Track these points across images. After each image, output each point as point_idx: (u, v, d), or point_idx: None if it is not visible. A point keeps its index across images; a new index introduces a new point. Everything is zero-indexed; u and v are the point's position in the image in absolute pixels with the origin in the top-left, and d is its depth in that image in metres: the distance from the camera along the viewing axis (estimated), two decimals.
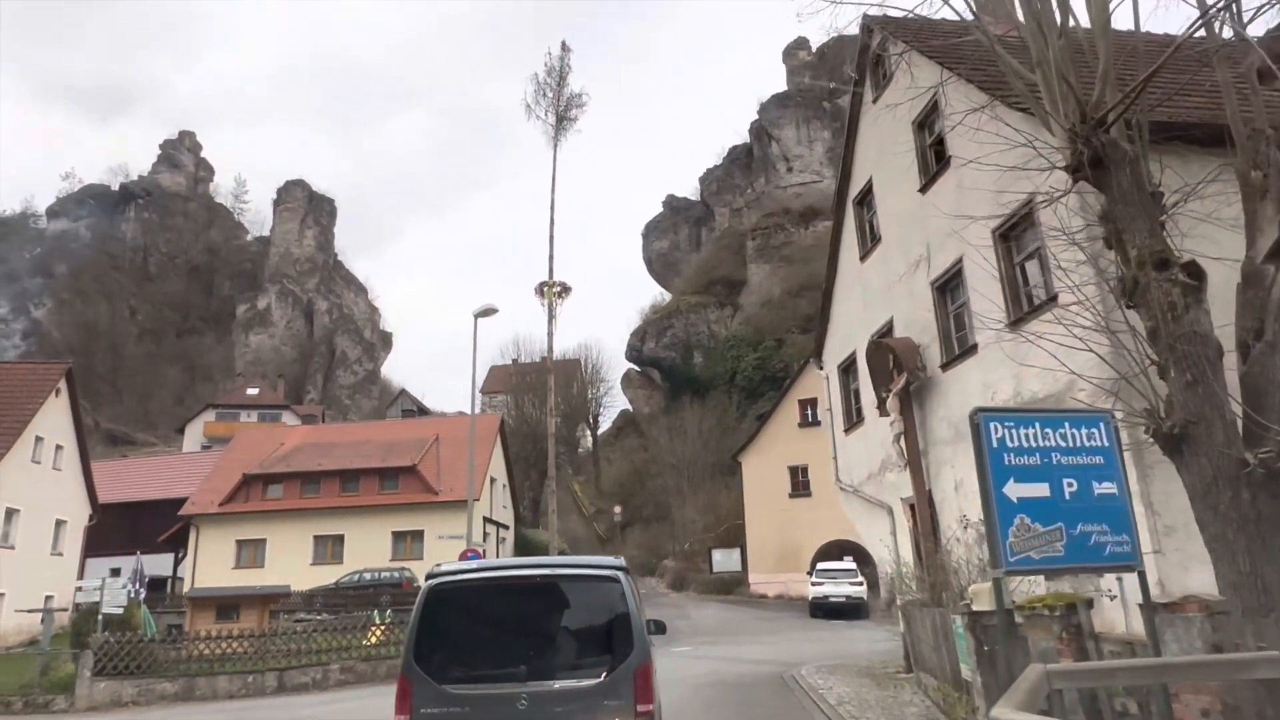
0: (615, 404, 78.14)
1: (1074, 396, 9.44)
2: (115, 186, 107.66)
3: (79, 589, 22.23)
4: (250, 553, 38.25)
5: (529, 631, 6.42)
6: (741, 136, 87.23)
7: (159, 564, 38.70)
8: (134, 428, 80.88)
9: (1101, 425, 6.21)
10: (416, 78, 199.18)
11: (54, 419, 33.68)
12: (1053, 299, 10.11)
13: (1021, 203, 10.37)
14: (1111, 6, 7.97)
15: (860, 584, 31.04)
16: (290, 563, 36.04)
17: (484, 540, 37.80)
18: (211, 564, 37.06)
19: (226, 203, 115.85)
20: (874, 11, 15.46)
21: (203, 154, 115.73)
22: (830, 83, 74.88)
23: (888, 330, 15.87)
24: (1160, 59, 7.56)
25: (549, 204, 35.06)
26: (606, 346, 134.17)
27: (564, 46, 38.38)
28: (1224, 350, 6.89)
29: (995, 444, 5.97)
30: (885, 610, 30.15)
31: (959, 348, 13.36)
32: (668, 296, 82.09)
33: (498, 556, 38.37)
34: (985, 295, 11.58)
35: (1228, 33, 8.68)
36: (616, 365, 77.55)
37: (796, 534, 38.31)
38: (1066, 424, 6.17)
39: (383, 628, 21.66)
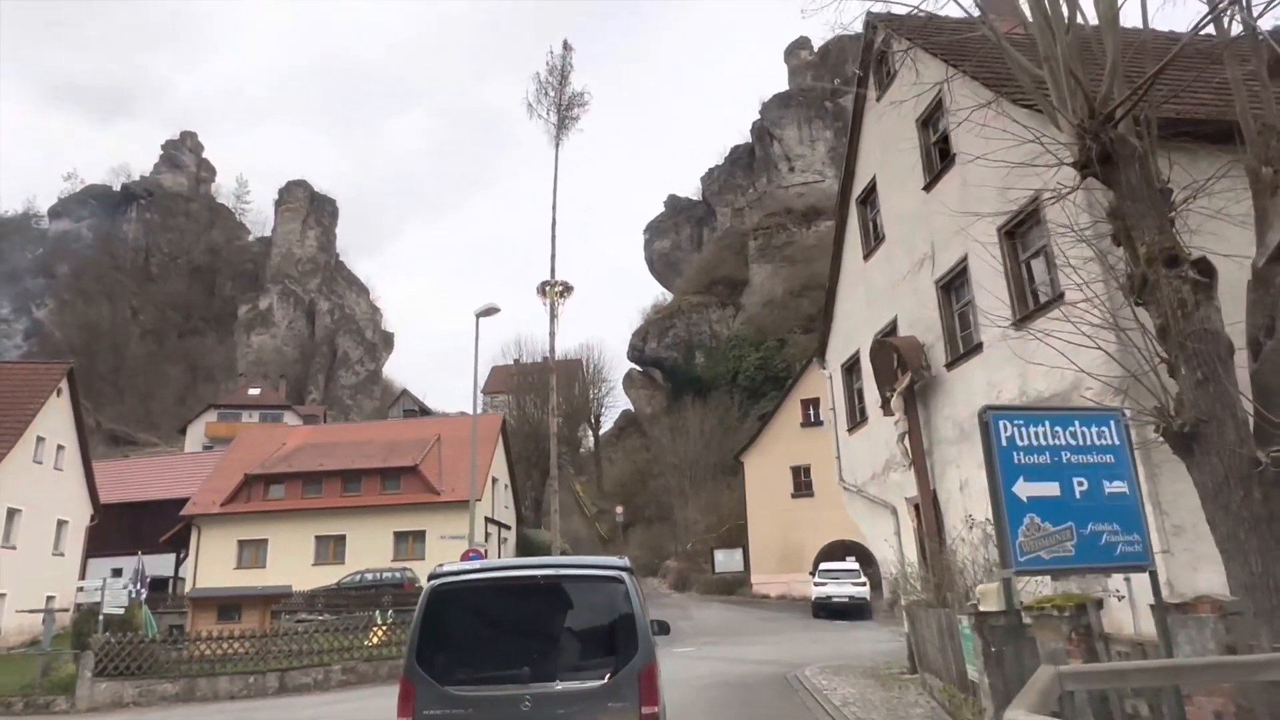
0: (617, 404, 78.20)
1: (1081, 395, 9.37)
2: (117, 187, 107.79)
3: (80, 589, 22.20)
4: (252, 553, 38.21)
5: (532, 632, 6.35)
6: (743, 136, 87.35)
7: (160, 564, 38.69)
8: (136, 428, 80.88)
9: (1112, 423, 6.13)
10: (417, 78, 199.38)
11: (55, 419, 33.64)
12: (1059, 297, 10.04)
13: (1028, 200, 10.29)
14: (1119, 2, 7.91)
15: (863, 584, 30.96)
16: (292, 563, 35.98)
17: (486, 541, 37.75)
18: (213, 564, 37.03)
19: (228, 203, 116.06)
20: (878, 8, 15.46)
21: (204, 154, 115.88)
22: (835, 80, 74.79)
23: (892, 329, 15.79)
24: (1169, 54, 7.51)
25: (551, 203, 34.94)
26: (608, 347, 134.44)
27: (565, 45, 38.25)
28: (1235, 348, 6.81)
29: (1004, 442, 5.90)
30: (888, 611, 30.05)
31: (964, 347, 13.28)
32: (669, 296, 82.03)
33: (499, 557, 38.30)
34: (990, 293, 11.51)
35: (1237, 28, 8.64)
36: (618, 365, 77.59)
37: (799, 534, 38.23)
38: (1076, 422, 6.09)
39: (384, 628, 21.60)
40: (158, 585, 35.86)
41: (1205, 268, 6.93)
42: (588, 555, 30.42)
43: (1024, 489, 5.79)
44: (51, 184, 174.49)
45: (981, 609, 8.20)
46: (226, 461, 42.81)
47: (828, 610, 30.34)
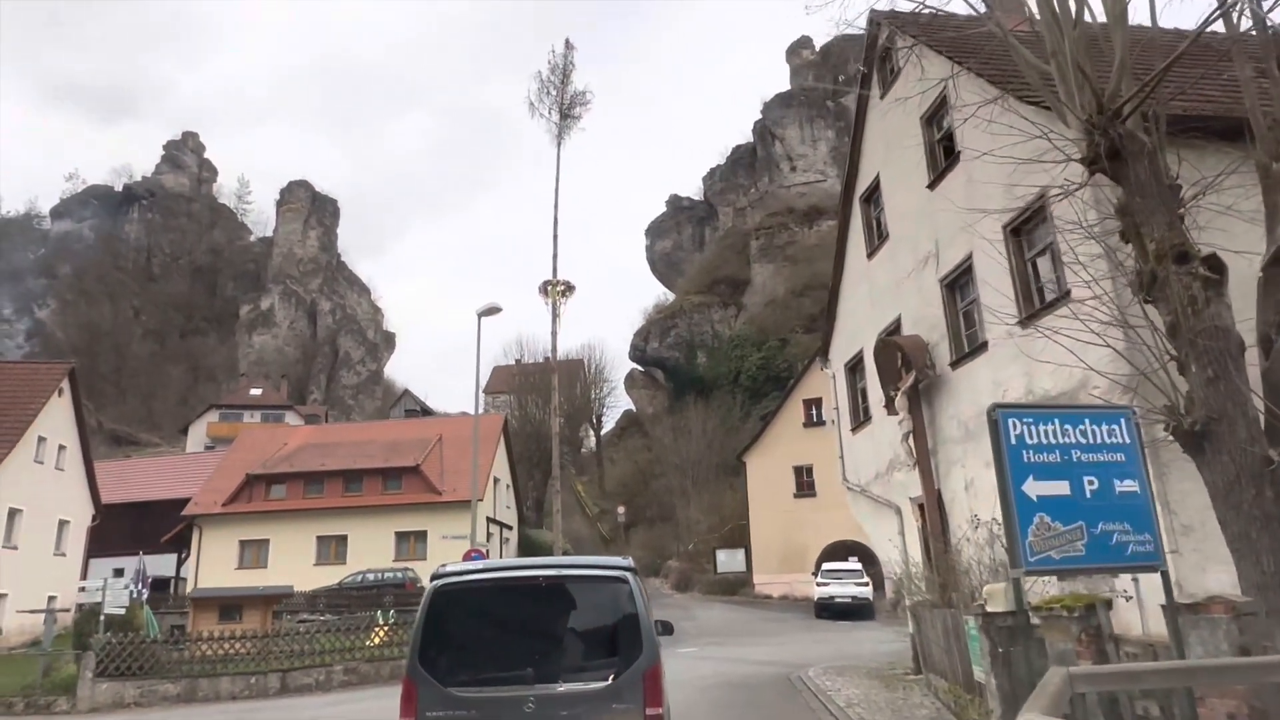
0: (619, 404, 78.11)
1: (1089, 394, 9.30)
2: (119, 187, 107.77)
3: (82, 589, 22.15)
4: (253, 553, 38.18)
5: (536, 633, 6.29)
6: (745, 136, 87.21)
7: (162, 564, 38.65)
8: (137, 428, 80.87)
9: (1122, 421, 6.06)
10: (418, 78, 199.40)
11: (57, 419, 33.60)
12: (1065, 295, 9.96)
13: (1034, 197, 10.22)
14: None
15: (866, 584, 30.87)
16: (293, 563, 35.94)
17: (487, 541, 37.71)
18: (214, 564, 37.01)
19: (230, 203, 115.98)
20: (882, 5, 15.41)
21: (206, 155, 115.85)
22: (840, 77, 74.64)
23: (895, 328, 15.72)
24: (1177, 50, 7.44)
25: (553, 202, 34.81)
26: (610, 347, 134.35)
27: (567, 44, 38.11)
28: (1245, 345, 6.74)
29: (1014, 441, 5.82)
30: (891, 611, 29.98)
31: (969, 345, 13.21)
32: (671, 296, 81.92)
33: (501, 557, 38.24)
34: (996, 292, 11.42)
35: (1246, 23, 8.57)
36: (620, 365, 77.48)
37: (801, 534, 38.15)
38: (1087, 420, 6.01)
39: (386, 628, 21.54)
40: (159, 585, 35.81)
41: (1215, 264, 6.86)
42: (590, 555, 30.37)
43: (1033, 488, 5.72)
44: (53, 184, 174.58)
45: (989, 609, 8.12)
46: (228, 461, 42.78)
47: (830, 611, 30.26)
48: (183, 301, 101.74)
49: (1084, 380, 9.53)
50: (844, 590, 30.57)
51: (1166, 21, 9.06)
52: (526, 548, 45.80)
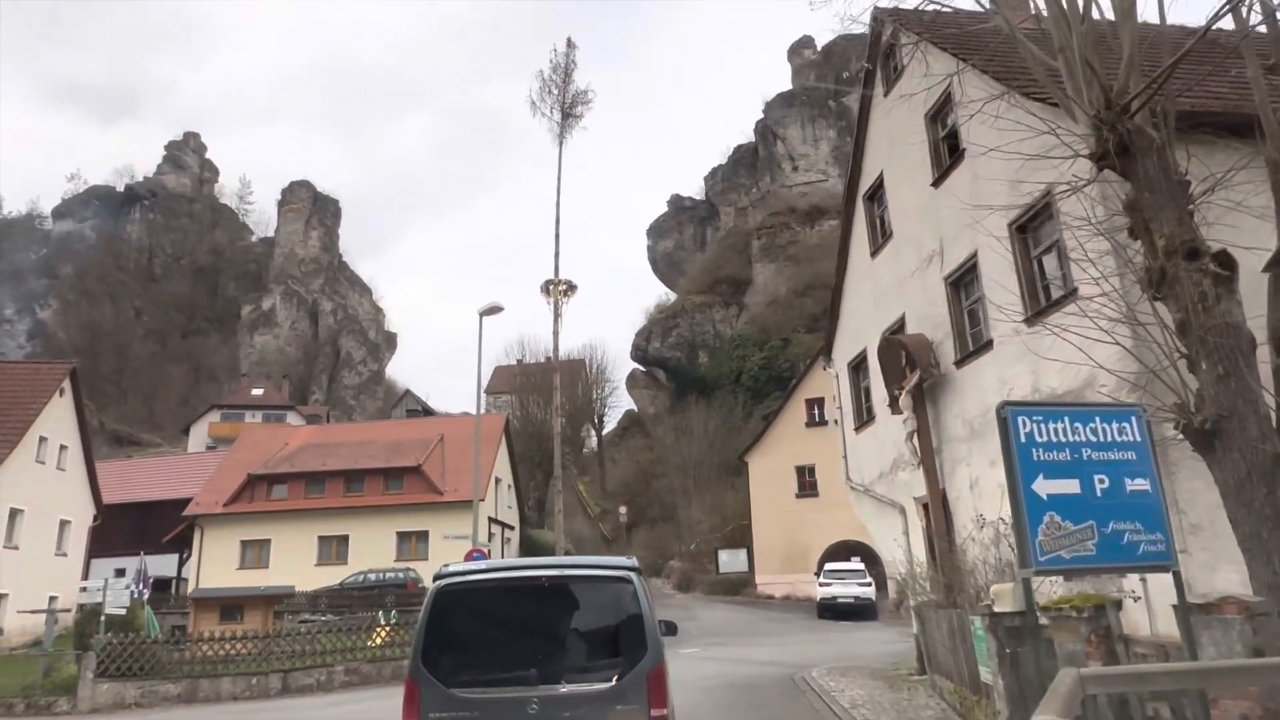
0: (620, 404, 78.03)
1: (1096, 392, 9.23)
2: (120, 188, 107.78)
3: (83, 589, 22.09)
4: (255, 553, 38.13)
5: (539, 633, 6.23)
6: (746, 136, 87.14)
7: (164, 564, 38.62)
8: (139, 428, 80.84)
9: (1133, 419, 5.99)
10: (419, 79, 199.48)
11: (58, 419, 33.56)
12: (1072, 292, 9.89)
13: (1040, 194, 10.15)
14: None
15: (869, 585, 30.78)
16: (295, 563, 35.89)
17: (489, 541, 37.65)
18: (216, 564, 36.97)
19: (231, 204, 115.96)
20: (886, 1, 15.34)
21: (207, 155, 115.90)
22: (845, 74, 74.54)
23: (899, 327, 15.65)
24: (1186, 45, 7.37)
25: (554, 202, 34.76)
26: (611, 347, 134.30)
27: (569, 43, 38.03)
28: (1256, 342, 6.68)
29: (1023, 439, 5.75)
30: (894, 611, 29.89)
31: (974, 344, 13.13)
32: (673, 296, 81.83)
33: (503, 557, 38.19)
34: (1002, 288, 11.34)
35: (1255, 18, 8.50)
36: (621, 366, 77.44)
37: (804, 534, 38.08)
38: (1097, 418, 5.94)
39: (388, 629, 21.48)
40: (161, 585, 35.78)
41: (1226, 261, 6.79)
42: (591, 555, 30.30)
43: (1043, 486, 5.65)
44: (55, 184, 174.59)
45: (996, 610, 8.04)
46: (229, 462, 42.74)
47: (833, 611, 30.19)
48: (184, 302, 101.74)
49: (1091, 378, 9.47)
50: (846, 590, 30.48)
51: (1174, 17, 8.97)
52: (528, 548, 45.75)
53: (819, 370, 35.98)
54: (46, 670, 18.71)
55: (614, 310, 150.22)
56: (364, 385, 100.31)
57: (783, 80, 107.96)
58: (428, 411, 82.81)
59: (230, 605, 23.29)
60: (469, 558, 20.08)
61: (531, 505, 58.41)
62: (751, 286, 71.93)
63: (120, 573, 24.75)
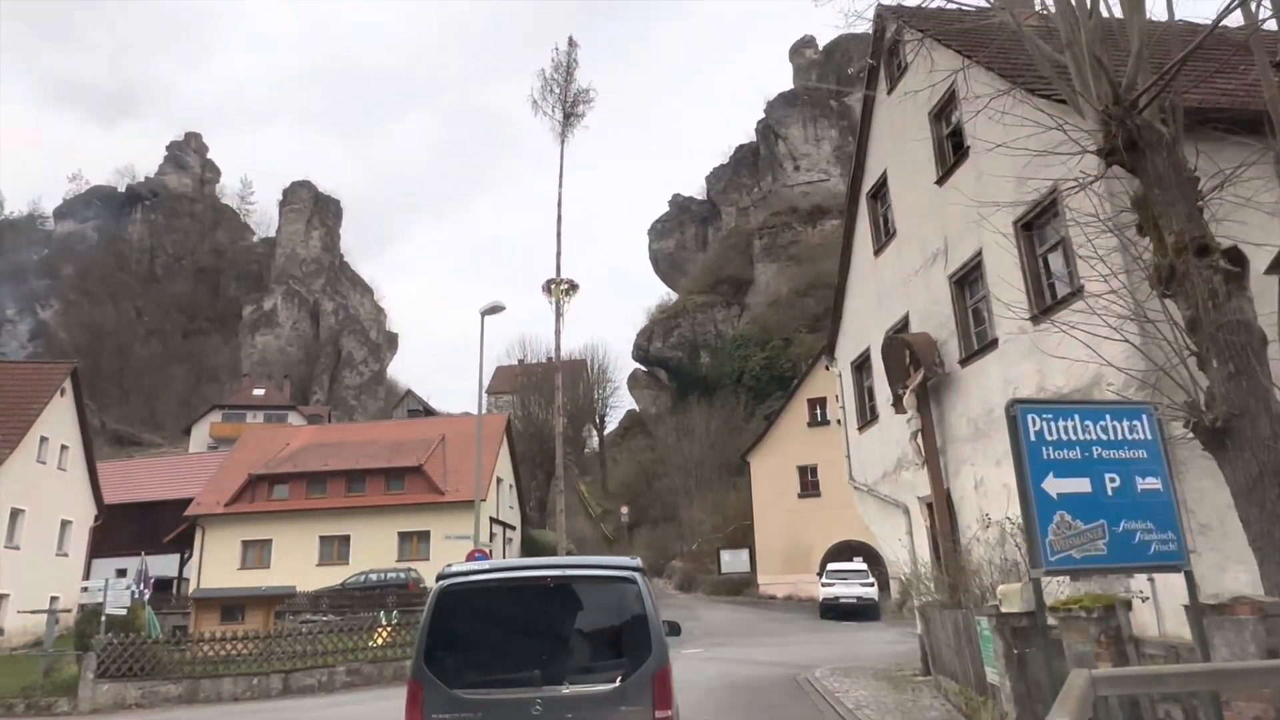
0: (621, 404, 78.01)
1: (1103, 390, 9.16)
2: (122, 188, 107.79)
3: (84, 590, 22.04)
4: (256, 553, 38.08)
5: (543, 634, 6.17)
6: (748, 135, 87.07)
7: (165, 565, 38.56)
8: (140, 428, 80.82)
9: (1144, 417, 5.90)
10: (419, 80, 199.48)
11: (59, 419, 33.52)
12: (1078, 290, 9.82)
13: (1046, 191, 10.08)
14: None
15: (871, 585, 30.70)
16: (296, 563, 35.85)
17: (490, 541, 37.55)
18: (217, 565, 36.93)
19: (232, 204, 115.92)
20: None
21: (209, 155, 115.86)
22: (850, 71, 74.33)
23: (903, 326, 15.57)
24: (1196, 40, 7.30)
25: (556, 200, 34.82)
26: (612, 347, 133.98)
27: (571, 42, 38.11)
28: (1268, 339, 6.60)
29: (1033, 437, 5.66)
30: (896, 611, 29.82)
31: (978, 343, 13.06)
32: (674, 296, 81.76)
33: (504, 557, 38.13)
34: (1008, 287, 11.26)
35: (1265, 12, 8.42)
36: (623, 366, 77.42)
37: (806, 534, 38.00)
38: (1107, 416, 5.86)
39: (389, 629, 21.42)
40: (162, 586, 35.69)
41: (1237, 257, 6.71)
42: (593, 555, 30.25)
43: (1054, 485, 5.57)
44: (57, 185, 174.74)
45: (1003, 610, 7.97)
46: (231, 462, 42.70)
47: (836, 611, 30.11)
48: (186, 302, 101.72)
49: (1098, 376, 9.39)
50: (849, 591, 30.40)
51: (1182, 13, 8.89)
52: (530, 548, 45.68)
53: (821, 370, 35.91)
54: (47, 670, 18.66)
55: (615, 310, 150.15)
56: (365, 385, 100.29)
57: (784, 80, 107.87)
58: (429, 412, 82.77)
59: (231, 605, 23.26)
60: (471, 558, 20.02)
61: (533, 505, 58.35)
62: (753, 286, 71.85)
63: (122, 573, 24.68)
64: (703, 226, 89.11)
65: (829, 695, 13.27)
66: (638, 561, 6.66)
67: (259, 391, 79.62)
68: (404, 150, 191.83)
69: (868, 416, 18.13)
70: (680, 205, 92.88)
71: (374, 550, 36.90)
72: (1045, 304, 10.95)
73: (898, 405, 15.06)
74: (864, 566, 31.92)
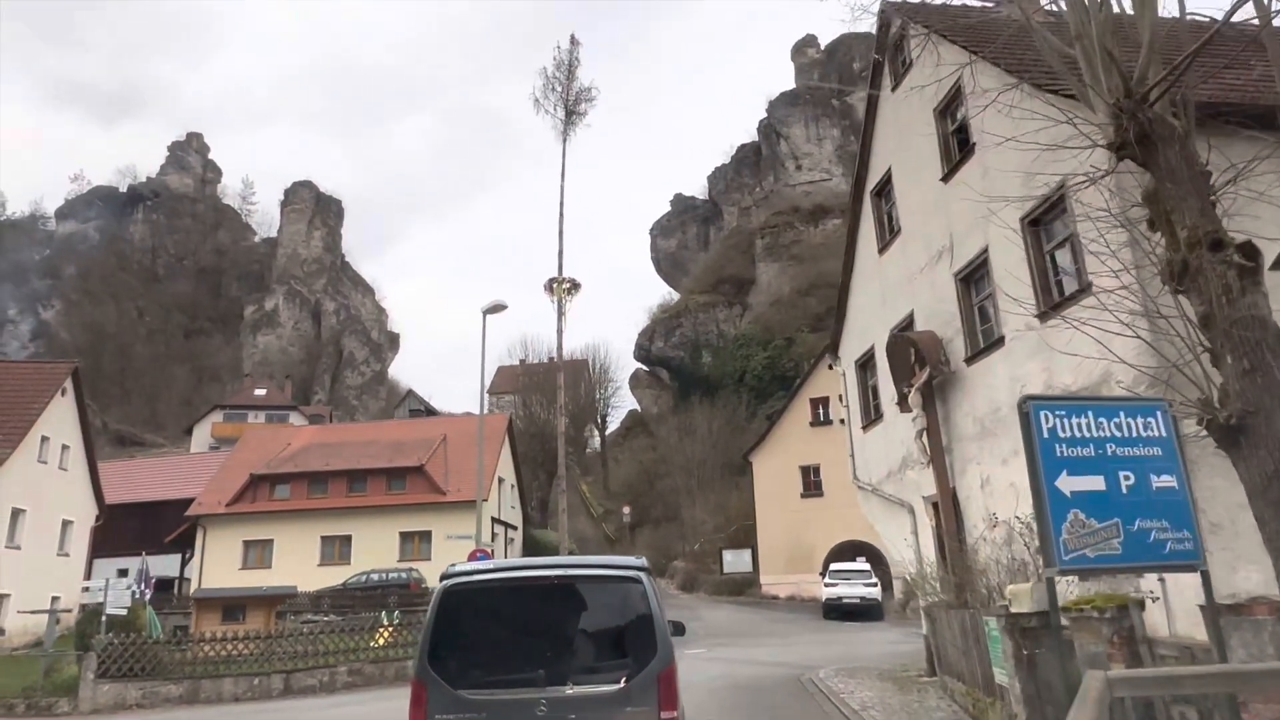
0: (623, 404, 77.97)
1: (1112, 387, 9.06)
2: (123, 188, 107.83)
3: (85, 590, 21.97)
4: (257, 553, 38.02)
5: (548, 634, 6.10)
6: (750, 135, 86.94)
7: (166, 565, 38.49)
8: (142, 428, 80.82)
9: (1158, 414, 5.82)
10: (419, 80, 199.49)
11: (60, 419, 33.45)
12: (1087, 287, 9.72)
13: (1054, 187, 9.97)
14: None
15: (874, 585, 30.60)
16: (297, 563, 35.80)
17: (492, 541, 37.48)
18: (218, 565, 36.87)
19: (234, 204, 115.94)
20: None
21: (210, 156, 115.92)
22: (852, 65, 74.15)
23: (908, 324, 15.47)
24: (1209, 32, 7.21)
25: (558, 199, 34.79)
26: (614, 347, 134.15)
27: (573, 40, 37.96)
28: None
29: (1046, 434, 5.58)
30: (900, 612, 29.72)
31: (984, 341, 12.95)
32: (676, 296, 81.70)
33: (506, 557, 38.05)
34: (1015, 284, 11.15)
35: (1277, 4, 8.32)
36: (624, 366, 77.39)
37: (809, 534, 37.91)
38: (1121, 413, 5.77)
39: (391, 629, 21.33)
40: (163, 586, 35.63)
41: (1250, 252, 6.61)
42: (595, 555, 30.15)
43: (1067, 483, 5.47)
44: (58, 185, 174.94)
45: (1013, 610, 7.87)
46: (232, 462, 42.64)
47: (839, 611, 30.01)
48: (187, 302, 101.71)
49: (1106, 374, 9.30)
50: (852, 591, 30.30)
51: (1191, 5, 8.77)
52: (531, 548, 45.59)
53: (823, 370, 35.82)
54: (47, 671, 18.59)
55: (617, 310, 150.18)
56: (366, 385, 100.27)
57: (786, 79, 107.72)
58: (430, 411, 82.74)
59: (232, 605, 23.19)
60: (472, 558, 19.94)
61: (535, 505, 58.26)
62: (755, 286, 71.76)
63: (123, 573, 24.61)
64: (704, 226, 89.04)
65: (834, 696, 13.18)
66: (643, 561, 6.59)
67: (260, 391, 79.60)
68: (404, 150, 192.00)
69: (872, 415, 18.03)
70: (682, 205, 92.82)
71: (375, 550, 36.83)
72: (1053, 301, 10.85)
73: (903, 404, 14.96)
74: (867, 567, 31.82)
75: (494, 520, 39.43)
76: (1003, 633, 7.99)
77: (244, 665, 19.00)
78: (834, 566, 32.77)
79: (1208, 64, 9.12)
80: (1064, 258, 11.00)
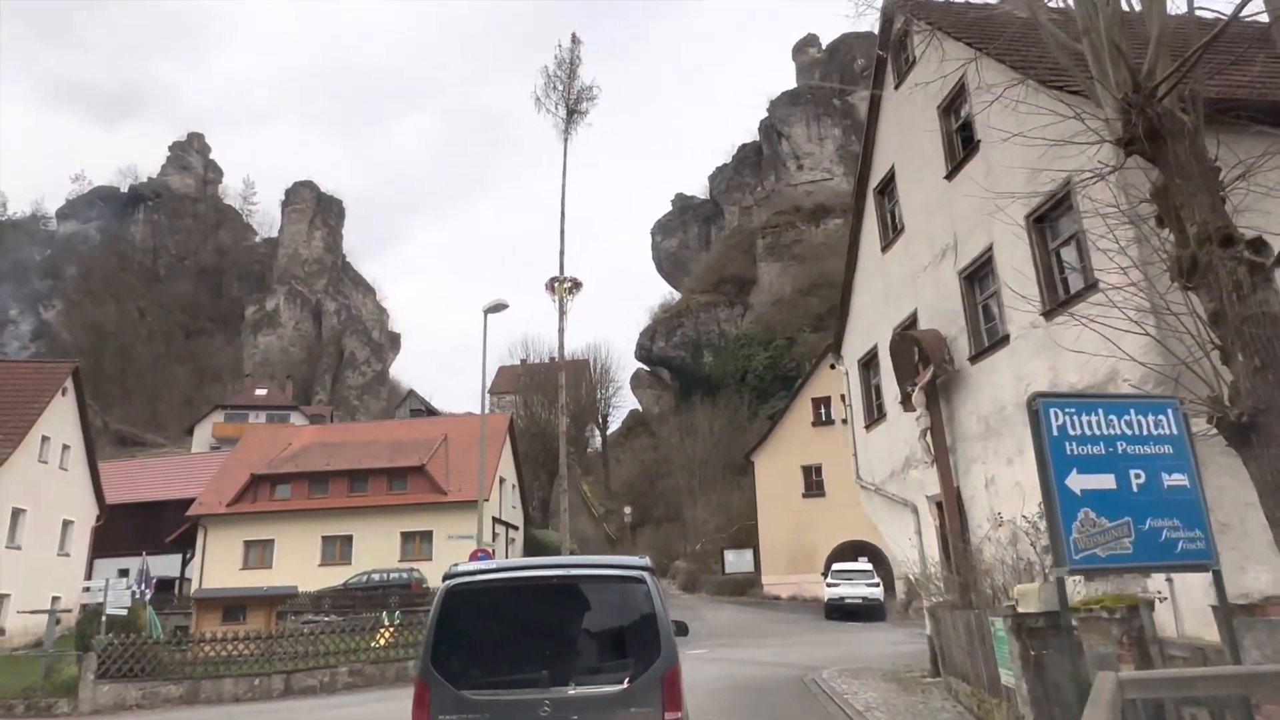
0: (624, 404, 77.87)
1: (1119, 386, 8.98)
2: (125, 189, 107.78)
3: (85, 590, 21.92)
4: (258, 553, 37.96)
5: (552, 634, 6.05)
6: (751, 135, 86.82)
7: (167, 565, 38.44)
8: (143, 429, 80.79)
9: (1169, 412, 5.74)
10: (419, 80, 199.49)
11: (61, 419, 33.39)
12: (1093, 285, 9.64)
13: (1059, 184, 9.89)
14: None
15: (877, 585, 30.54)
16: (298, 563, 35.74)
17: (493, 541, 37.43)
18: (219, 565, 36.81)
19: (235, 204, 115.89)
20: None
21: (211, 156, 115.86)
22: (853, 64, 73.97)
23: (911, 323, 15.39)
24: (1219, 26, 7.14)
25: (560, 198, 34.72)
26: (615, 347, 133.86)
27: (574, 38, 37.85)
28: None
29: (1056, 432, 5.50)
30: (902, 612, 29.66)
31: (989, 339, 12.87)
32: (677, 296, 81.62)
33: (507, 557, 37.98)
34: (1020, 282, 11.08)
35: None
36: (625, 365, 77.29)
37: (810, 534, 37.83)
38: (1132, 410, 5.70)
39: (391, 630, 21.27)
40: (164, 586, 35.57)
41: (1262, 248, 6.54)
42: (596, 555, 30.07)
43: (1077, 482, 5.40)
44: (59, 185, 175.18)
45: (1020, 610, 7.79)
46: (233, 462, 42.58)
47: (841, 611, 29.94)
48: (188, 302, 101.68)
49: (1113, 372, 9.22)
50: (854, 591, 30.23)
51: (1201, 0, 8.69)
52: (533, 548, 45.53)
53: (825, 369, 35.74)
54: (47, 671, 18.53)
55: (618, 310, 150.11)
56: (368, 385, 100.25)
57: (786, 79, 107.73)
58: (431, 411, 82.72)
59: (233, 605, 23.13)
60: (473, 558, 19.88)
61: (536, 505, 58.17)
62: (756, 286, 71.67)
63: (124, 573, 24.53)
64: (706, 226, 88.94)
65: (837, 697, 13.10)
66: (647, 561, 6.53)
67: (261, 391, 79.59)
68: (404, 150, 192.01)
69: (875, 415, 17.95)
70: (683, 204, 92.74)
71: (376, 550, 36.76)
72: (1059, 298, 10.76)
73: (906, 403, 14.87)
74: (869, 567, 31.76)
75: (495, 520, 39.37)
76: (1009, 633, 7.91)
77: (244, 666, 18.95)
78: (836, 567, 32.70)
79: (1216, 60, 9.05)
80: (1069, 255, 10.93)
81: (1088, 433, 5.54)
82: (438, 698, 5.75)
